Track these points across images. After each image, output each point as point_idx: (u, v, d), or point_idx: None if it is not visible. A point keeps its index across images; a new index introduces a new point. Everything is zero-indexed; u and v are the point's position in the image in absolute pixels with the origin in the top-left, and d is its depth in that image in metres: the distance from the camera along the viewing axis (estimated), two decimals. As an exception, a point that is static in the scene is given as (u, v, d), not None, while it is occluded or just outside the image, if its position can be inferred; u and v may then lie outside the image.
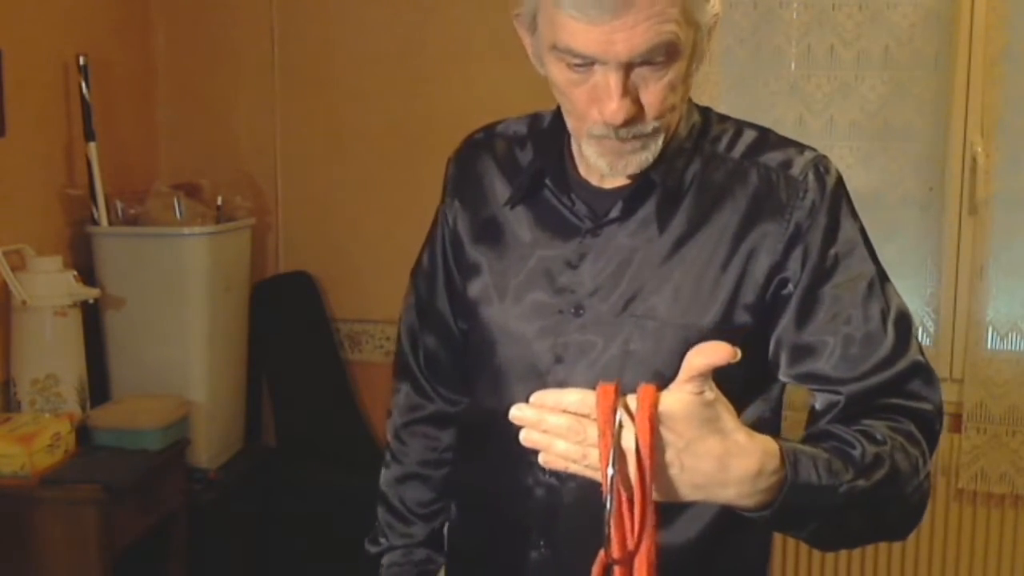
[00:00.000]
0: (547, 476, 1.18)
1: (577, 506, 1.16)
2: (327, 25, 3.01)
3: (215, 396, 2.71)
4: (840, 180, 1.15)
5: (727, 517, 1.05)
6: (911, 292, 2.75)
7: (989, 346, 2.72)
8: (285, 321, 3.06)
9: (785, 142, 1.17)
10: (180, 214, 2.69)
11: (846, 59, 2.71)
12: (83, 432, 2.36)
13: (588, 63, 1.03)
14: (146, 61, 3.06)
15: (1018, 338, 2.72)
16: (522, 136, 1.27)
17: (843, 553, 2.84)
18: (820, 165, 1.14)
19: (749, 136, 1.17)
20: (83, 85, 2.61)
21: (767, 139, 1.17)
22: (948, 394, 2.75)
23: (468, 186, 1.29)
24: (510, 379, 1.20)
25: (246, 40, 3.06)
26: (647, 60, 1.02)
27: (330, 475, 2.85)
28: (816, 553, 2.86)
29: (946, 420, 2.94)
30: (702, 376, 0.86)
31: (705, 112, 1.20)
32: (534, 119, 1.28)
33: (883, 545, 2.82)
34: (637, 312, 1.13)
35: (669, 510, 0.95)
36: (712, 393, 0.87)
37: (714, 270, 1.12)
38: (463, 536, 1.35)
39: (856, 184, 2.73)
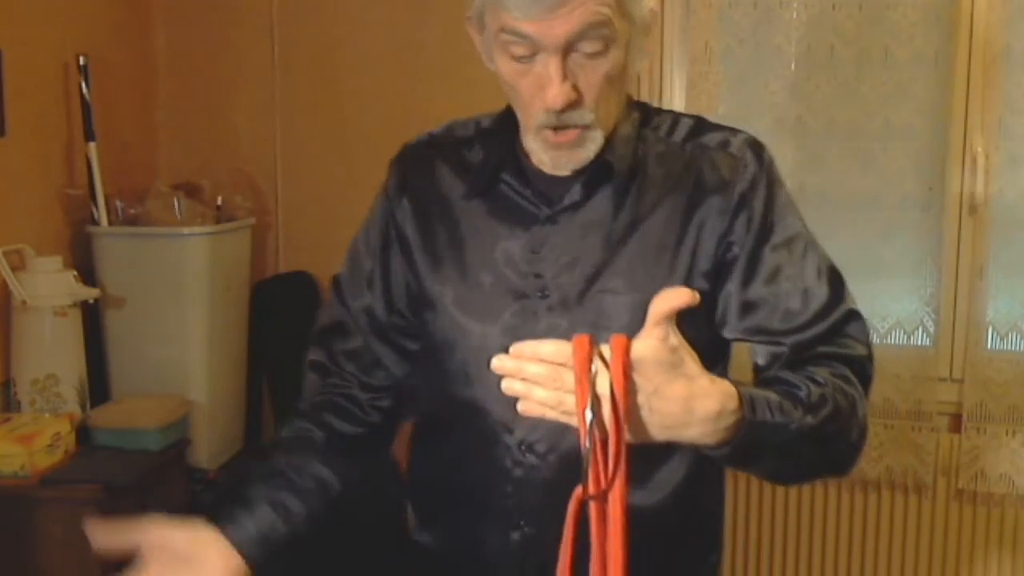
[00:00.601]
0: (527, 455, 1.23)
1: (558, 480, 1.19)
2: (327, 25, 3.01)
3: (215, 396, 2.71)
4: (771, 156, 1.26)
5: (690, 480, 1.24)
6: (911, 292, 2.74)
7: (989, 346, 2.71)
8: (285, 321, 3.06)
9: (720, 126, 1.28)
10: (180, 214, 2.69)
11: (846, 59, 2.70)
12: (83, 432, 2.36)
13: (531, 54, 1.12)
14: (146, 61, 3.06)
15: (1018, 338, 2.72)
16: (468, 138, 1.33)
17: (841, 552, 2.85)
18: (754, 144, 1.26)
19: (687, 123, 1.28)
20: (83, 85, 2.61)
21: (703, 124, 1.28)
22: (948, 394, 2.75)
23: (417, 185, 1.32)
24: (482, 366, 1.21)
25: (246, 40, 3.06)
26: (584, 40, 1.11)
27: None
28: (816, 550, 2.86)
29: (946, 420, 2.95)
30: (667, 320, 0.93)
31: (643, 105, 1.30)
32: (477, 122, 1.34)
33: (883, 544, 2.82)
34: (601, 289, 1.20)
35: (640, 475, 1.02)
36: (676, 339, 0.95)
37: (670, 244, 1.21)
38: (434, 530, 1.34)
39: (856, 184, 2.73)
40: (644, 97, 2.83)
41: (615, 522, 0.93)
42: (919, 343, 2.75)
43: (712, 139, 1.25)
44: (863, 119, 2.71)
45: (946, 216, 2.70)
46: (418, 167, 1.34)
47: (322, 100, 3.04)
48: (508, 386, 0.97)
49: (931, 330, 2.75)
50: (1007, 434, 2.69)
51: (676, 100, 2.85)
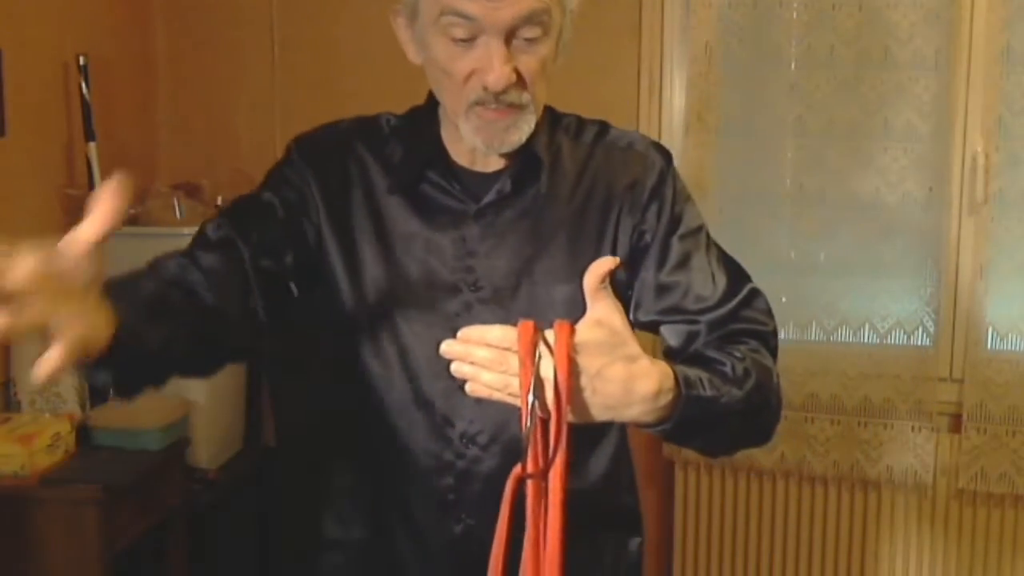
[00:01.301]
0: (469, 448, 1.25)
1: (499, 471, 1.21)
2: (327, 25, 3.01)
3: (215, 396, 2.71)
4: (672, 155, 1.36)
5: (613, 462, 1.32)
6: (911, 292, 2.74)
7: (989, 346, 2.71)
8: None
9: (621, 129, 1.36)
10: (180, 214, 2.69)
11: (846, 59, 2.70)
12: (83, 432, 2.36)
13: (471, 37, 1.15)
14: (146, 61, 3.06)
15: (1018, 338, 2.72)
16: (384, 135, 1.32)
17: (841, 552, 2.85)
18: (657, 144, 1.35)
19: (592, 126, 1.35)
20: (83, 85, 2.61)
21: (607, 127, 1.35)
22: (948, 394, 2.75)
23: (331, 169, 1.29)
24: (418, 359, 1.25)
25: (246, 40, 3.06)
26: (526, 26, 1.14)
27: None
28: (816, 550, 2.86)
29: (946, 420, 2.95)
30: (605, 291, 1.00)
31: (550, 108, 1.33)
32: (386, 120, 1.34)
33: (884, 544, 2.82)
34: (532, 281, 1.25)
35: (575, 460, 1.04)
36: (620, 320, 1.00)
37: (593, 237, 1.28)
38: (370, 528, 1.34)
39: (856, 184, 2.73)
40: (644, 97, 2.83)
41: (554, 499, 0.96)
42: (919, 343, 2.75)
43: (619, 139, 1.33)
44: (863, 119, 2.71)
45: (946, 216, 2.70)
46: (332, 154, 1.30)
47: (322, 100, 3.03)
48: (457, 369, 1.00)
49: (931, 330, 2.75)
50: (1007, 434, 2.69)
51: (676, 100, 2.84)
